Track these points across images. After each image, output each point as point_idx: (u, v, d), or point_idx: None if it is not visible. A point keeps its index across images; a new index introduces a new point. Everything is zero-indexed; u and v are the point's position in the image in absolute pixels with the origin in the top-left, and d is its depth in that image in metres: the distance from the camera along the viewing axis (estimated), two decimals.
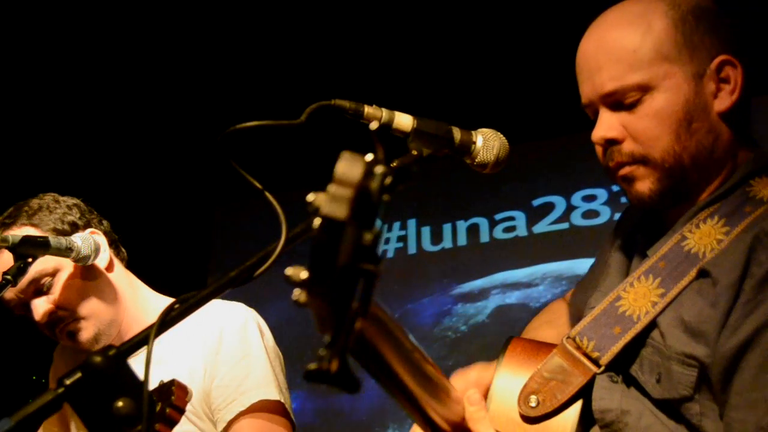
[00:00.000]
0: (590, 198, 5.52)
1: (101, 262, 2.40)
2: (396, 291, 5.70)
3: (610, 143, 1.72)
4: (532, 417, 1.66)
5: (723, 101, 1.69)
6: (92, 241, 2.27)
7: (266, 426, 2.29)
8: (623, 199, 1.97)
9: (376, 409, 5.66)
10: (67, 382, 1.22)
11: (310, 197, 0.92)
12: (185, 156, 6.01)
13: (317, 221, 0.91)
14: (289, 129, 1.47)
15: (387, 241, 6.00)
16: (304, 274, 0.93)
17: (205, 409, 2.28)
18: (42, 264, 2.25)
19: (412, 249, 5.88)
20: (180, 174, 6.16)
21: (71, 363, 2.56)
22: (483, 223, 5.75)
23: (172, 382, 1.75)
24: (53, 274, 2.33)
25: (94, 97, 5.50)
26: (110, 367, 1.23)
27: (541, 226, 5.61)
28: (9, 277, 2.11)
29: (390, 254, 5.92)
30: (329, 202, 0.89)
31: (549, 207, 5.63)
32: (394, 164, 0.91)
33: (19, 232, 2.30)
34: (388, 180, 0.92)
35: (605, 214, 5.37)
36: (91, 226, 2.41)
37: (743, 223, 1.63)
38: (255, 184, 1.42)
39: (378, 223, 0.92)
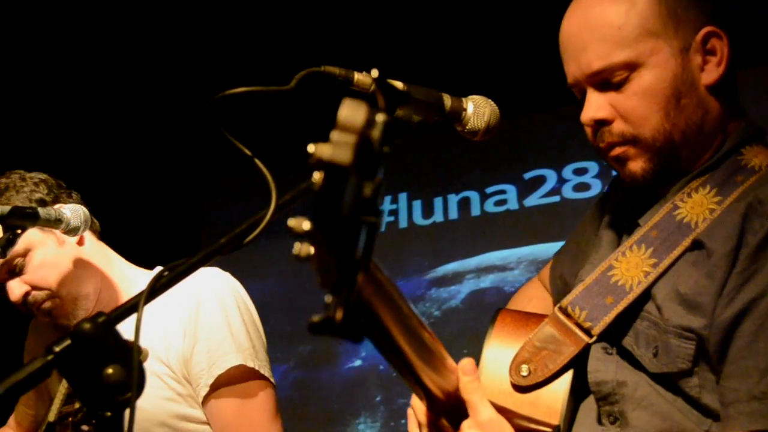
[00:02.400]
0: (581, 171, 5.50)
1: (73, 237, 2.39)
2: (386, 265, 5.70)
3: (600, 124, 1.70)
4: (524, 386, 1.66)
5: (710, 74, 1.68)
6: (81, 212, 2.26)
7: (244, 392, 2.29)
8: (615, 173, 1.96)
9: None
10: (57, 348, 1.21)
11: (311, 148, 0.90)
12: (177, 129, 5.99)
13: (318, 173, 0.90)
14: (278, 96, 1.45)
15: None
16: (306, 225, 0.92)
17: (185, 373, 2.28)
18: (5, 256, 2.22)
19: (403, 223, 5.89)
20: (172, 147, 6.13)
21: (46, 337, 2.55)
22: (474, 196, 5.74)
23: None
24: (24, 254, 2.31)
25: (83, 70, 5.47)
26: (100, 333, 1.22)
27: (533, 200, 5.58)
28: None
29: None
30: (333, 148, 0.88)
31: (540, 180, 5.61)
32: (394, 116, 0.90)
33: None
34: (389, 130, 0.91)
35: (596, 187, 5.35)
36: (59, 201, 2.38)
37: (736, 192, 1.63)
38: (244, 150, 1.41)
39: (380, 173, 0.91)
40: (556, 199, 5.52)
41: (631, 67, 1.65)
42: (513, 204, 5.64)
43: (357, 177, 0.89)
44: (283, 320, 5.25)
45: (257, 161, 1.39)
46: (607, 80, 1.67)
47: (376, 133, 0.89)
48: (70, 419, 1.96)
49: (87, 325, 1.22)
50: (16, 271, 2.32)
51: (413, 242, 5.78)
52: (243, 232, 1.33)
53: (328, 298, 0.94)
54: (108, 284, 2.44)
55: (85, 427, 1.94)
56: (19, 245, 2.25)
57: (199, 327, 2.29)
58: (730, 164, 1.68)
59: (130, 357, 1.23)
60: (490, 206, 5.69)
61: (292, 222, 0.94)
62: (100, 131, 5.83)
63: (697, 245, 1.60)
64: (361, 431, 5.62)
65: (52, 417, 1.95)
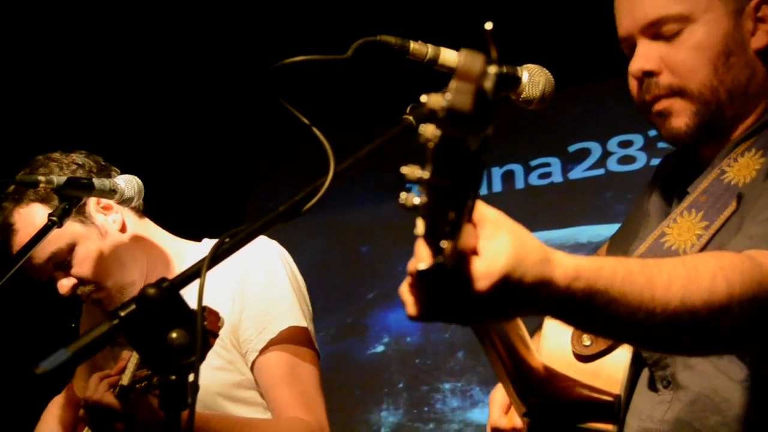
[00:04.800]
0: (626, 144, 5.42)
1: (114, 224, 2.42)
2: None
3: (648, 75, 1.72)
4: (586, 356, 1.68)
5: (760, 39, 1.71)
6: (135, 182, 2.28)
7: (294, 353, 2.31)
8: (660, 144, 1.96)
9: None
10: (122, 313, 1.23)
11: (424, 98, 0.92)
12: (223, 102, 6.02)
13: (425, 125, 0.92)
14: (335, 66, 1.47)
15: None
16: (419, 172, 0.94)
17: (233, 341, 2.31)
18: (57, 241, 2.27)
19: None
20: (218, 121, 6.17)
21: (98, 315, 2.60)
22: (518, 169, 5.70)
23: (204, 309, 1.79)
24: (69, 250, 2.34)
25: (133, 41, 5.48)
26: (164, 298, 1.24)
27: (577, 173, 5.53)
28: (54, 218, 2.11)
29: None
30: (454, 95, 0.89)
31: (585, 153, 5.55)
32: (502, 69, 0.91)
33: (28, 207, 2.34)
34: (500, 82, 0.92)
35: (641, 160, 5.28)
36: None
37: None
38: (302, 119, 1.43)
39: (491, 124, 0.92)
40: (600, 172, 5.46)
41: (685, 20, 1.68)
42: (557, 177, 5.59)
43: (475, 125, 0.90)
44: None
45: (315, 129, 1.40)
46: (659, 32, 1.70)
47: (488, 83, 0.90)
48: (144, 383, 1.99)
49: (152, 291, 1.24)
50: (63, 266, 2.35)
51: None
52: (302, 200, 1.34)
53: (444, 244, 0.96)
54: (155, 265, 2.47)
55: (158, 391, 1.98)
56: (63, 240, 2.28)
57: (247, 294, 2.32)
58: None
59: (194, 322, 1.25)
60: (534, 179, 5.66)
61: (405, 170, 0.96)
62: (147, 104, 5.87)
63: (739, 199, 1.61)
64: (384, 418, 5.66)
65: (125, 381, 1.98)
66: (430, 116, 0.92)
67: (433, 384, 5.58)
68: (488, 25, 0.92)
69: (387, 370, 5.72)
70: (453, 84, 0.89)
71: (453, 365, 5.56)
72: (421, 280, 1.01)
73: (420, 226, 0.98)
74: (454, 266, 0.99)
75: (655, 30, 1.70)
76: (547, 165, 5.64)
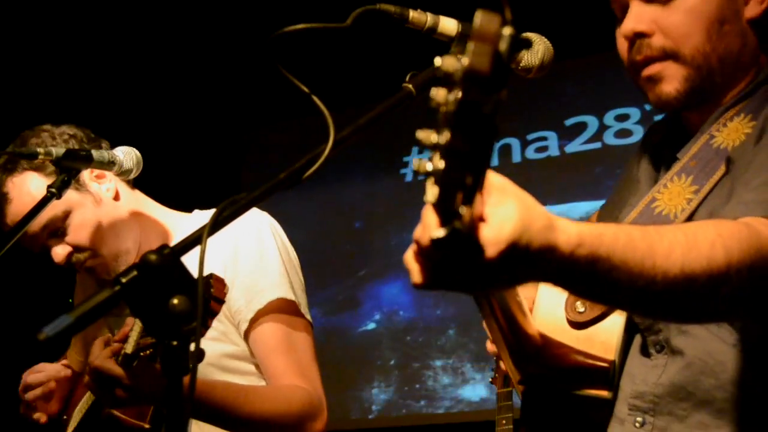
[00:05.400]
0: (623, 117, 5.48)
1: (108, 193, 2.43)
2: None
3: (640, 36, 1.72)
4: (580, 322, 1.69)
5: (753, 8, 1.72)
6: (134, 154, 2.29)
7: (287, 323, 2.33)
8: (657, 118, 1.97)
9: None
10: (124, 279, 1.24)
11: (438, 61, 0.92)
12: (221, 74, 6.04)
13: (437, 89, 0.92)
14: (335, 35, 1.47)
15: None
16: (435, 137, 0.93)
17: (226, 312, 2.32)
18: (52, 209, 2.26)
19: None
20: (214, 93, 6.19)
21: (91, 287, 2.62)
22: (515, 143, 5.74)
23: (211, 275, 1.81)
24: (64, 217, 2.34)
25: (131, 12, 5.50)
26: (165, 264, 1.25)
27: (574, 146, 5.59)
28: (54, 190, 2.12)
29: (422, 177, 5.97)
30: (472, 56, 0.89)
31: (581, 126, 5.60)
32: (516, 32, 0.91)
33: (22, 176, 2.34)
34: (514, 44, 0.92)
35: (638, 133, 5.32)
36: None
37: None
38: (302, 87, 1.43)
39: (506, 86, 0.91)
40: (597, 145, 5.52)
41: None
42: (554, 151, 5.64)
43: (492, 87, 0.90)
44: None
45: (315, 98, 1.40)
46: None
47: (504, 45, 0.90)
48: (149, 351, 2.00)
49: (153, 257, 1.25)
50: (57, 234, 2.36)
51: None
52: (302, 168, 1.35)
53: (463, 210, 0.96)
54: (148, 235, 2.48)
55: None
56: (59, 208, 2.28)
57: (238, 264, 2.33)
58: (762, 92, 1.70)
59: (195, 288, 1.26)
60: (531, 153, 5.71)
61: (421, 134, 0.95)
62: (142, 75, 5.89)
63: (728, 162, 1.62)
64: (376, 396, 5.72)
65: (129, 349, 2.00)
66: (444, 80, 0.92)
67: (425, 361, 5.65)
68: None
69: (378, 347, 5.78)
70: (470, 46, 0.89)
71: (444, 342, 5.63)
72: (435, 247, 1.00)
73: (431, 192, 0.96)
74: (468, 233, 1.00)
75: None
76: (544, 139, 5.68)
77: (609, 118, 5.53)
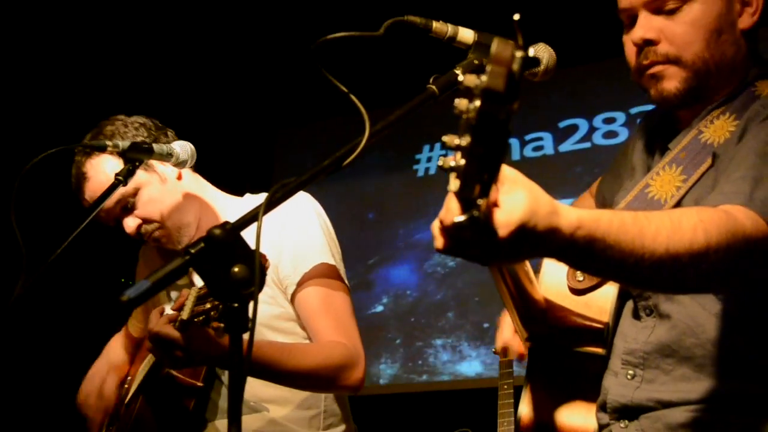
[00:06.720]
0: (610, 120, 5.84)
1: (172, 173, 2.67)
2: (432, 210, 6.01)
3: (647, 43, 1.92)
4: (579, 289, 1.91)
5: (745, 20, 1.93)
6: (188, 147, 2.51)
7: (328, 285, 2.56)
8: (639, 121, 2.18)
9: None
10: (192, 250, 1.41)
11: (461, 77, 1.10)
12: (253, 77, 6.30)
13: (460, 99, 1.09)
14: (368, 43, 1.66)
15: (429, 160, 6.37)
16: (457, 140, 1.10)
17: (275, 279, 2.56)
18: (124, 187, 2.48)
19: None
20: (246, 94, 6.46)
21: (153, 261, 2.87)
22: (514, 143, 6.08)
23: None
24: (134, 193, 2.59)
25: (178, 15, 5.72)
26: (228, 237, 1.42)
27: (567, 146, 5.94)
28: (120, 177, 2.36)
29: (432, 171, 6.31)
30: (489, 77, 1.06)
31: (573, 128, 5.95)
32: (527, 54, 1.09)
33: (99, 158, 2.58)
34: (525, 64, 1.08)
35: (623, 135, 5.67)
36: (158, 142, 2.61)
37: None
38: (341, 87, 1.60)
39: (518, 98, 1.09)
40: (587, 145, 5.86)
41: None
42: (549, 150, 5.99)
43: (506, 101, 1.07)
44: None
45: (352, 96, 1.59)
46: (660, 7, 1.91)
47: (516, 66, 1.07)
48: (202, 317, 2.19)
49: (218, 231, 1.42)
50: (128, 208, 2.61)
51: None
52: (342, 156, 1.52)
53: (481, 201, 1.13)
54: (206, 212, 2.72)
55: (215, 324, 2.18)
56: (130, 186, 2.50)
57: (285, 239, 2.56)
58: (745, 95, 1.90)
59: (253, 258, 1.42)
60: (528, 151, 6.06)
61: (446, 138, 1.13)
62: (192, 74, 6.19)
63: (714, 157, 1.83)
64: (383, 371, 6.06)
65: (185, 315, 2.18)
66: (465, 92, 1.09)
67: (426, 340, 6.03)
68: (516, 16, 1.10)
69: (386, 327, 6.11)
70: (489, 68, 1.06)
71: (444, 324, 6.03)
72: (456, 229, 1.17)
73: (454, 183, 1.13)
74: (485, 220, 1.18)
75: (658, 5, 1.90)
76: (540, 139, 6.04)
77: (598, 121, 5.90)
